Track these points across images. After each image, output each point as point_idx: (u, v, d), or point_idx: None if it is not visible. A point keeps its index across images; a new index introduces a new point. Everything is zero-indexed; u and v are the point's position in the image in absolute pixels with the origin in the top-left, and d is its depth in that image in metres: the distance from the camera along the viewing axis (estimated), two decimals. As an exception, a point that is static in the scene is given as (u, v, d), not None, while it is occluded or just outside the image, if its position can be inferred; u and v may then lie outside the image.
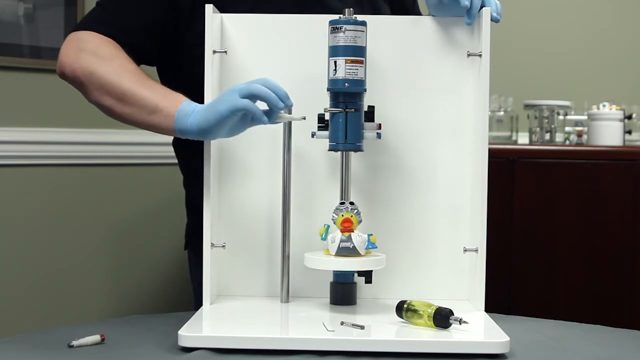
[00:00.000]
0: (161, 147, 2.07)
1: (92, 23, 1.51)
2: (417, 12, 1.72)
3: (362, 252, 1.32)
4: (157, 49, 1.55)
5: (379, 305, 1.39)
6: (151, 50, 1.54)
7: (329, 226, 1.35)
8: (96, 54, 1.45)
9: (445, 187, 1.46)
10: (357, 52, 1.33)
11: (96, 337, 1.21)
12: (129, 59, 1.47)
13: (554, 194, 2.26)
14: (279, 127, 1.40)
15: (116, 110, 1.43)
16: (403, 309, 1.26)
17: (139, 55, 1.51)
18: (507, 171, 2.26)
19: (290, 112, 1.34)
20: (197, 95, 1.37)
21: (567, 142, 2.53)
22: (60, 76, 1.51)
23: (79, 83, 1.47)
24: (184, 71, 1.55)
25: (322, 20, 1.38)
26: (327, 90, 1.36)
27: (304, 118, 1.34)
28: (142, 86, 1.40)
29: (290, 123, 1.39)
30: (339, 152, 1.39)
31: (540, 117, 2.49)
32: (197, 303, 1.48)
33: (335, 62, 1.33)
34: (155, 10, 1.52)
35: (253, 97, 1.27)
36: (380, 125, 1.38)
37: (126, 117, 1.42)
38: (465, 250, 1.41)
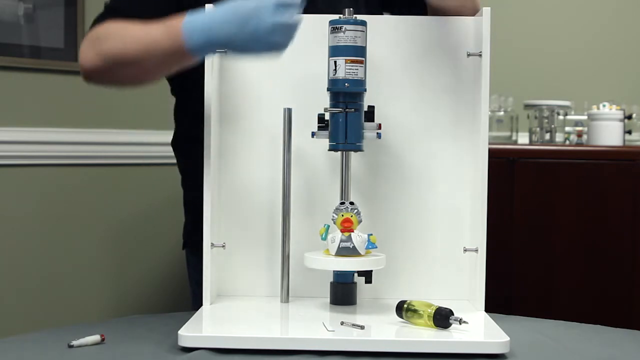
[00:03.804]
0: (161, 147, 2.07)
1: (100, 18, 1.45)
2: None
3: (362, 252, 1.32)
4: None
5: (379, 305, 1.39)
6: None
7: (329, 226, 1.35)
8: (101, 37, 1.39)
9: (445, 187, 1.46)
10: (357, 52, 1.33)
11: (96, 337, 1.21)
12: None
13: (554, 194, 2.26)
14: (279, 127, 1.40)
15: (139, 77, 1.37)
16: (403, 309, 1.26)
17: None
18: (507, 171, 2.26)
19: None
20: (197, 96, 1.37)
21: (567, 142, 2.53)
22: (88, 80, 1.44)
23: (105, 72, 1.38)
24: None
25: (322, 20, 1.38)
26: (327, 90, 1.36)
27: None
28: (138, 37, 1.31)
29: (289, 123, 1.39)
30: (339, 152, 1.39)
31: (540, 117, 2.48)
32: (196, 303, 1.48)
33: (335, 62, 1.33)
34: (163, 6, 1.47)
35: None
36: (380, 125, 1.38)
37: (152, 72, 1.36)
38: (465, 250, 1.41)
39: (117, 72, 1.37)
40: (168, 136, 1.74)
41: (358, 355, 1.15)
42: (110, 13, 1.45)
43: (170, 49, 1.27)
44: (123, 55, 1.34)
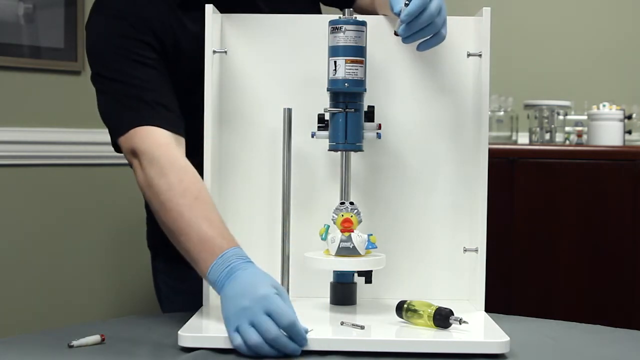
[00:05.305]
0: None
1: (135, 118, 1.41)
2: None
3: (362, 252, 1.32)
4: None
5: (379, 305, 1.39)
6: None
7: (329, 226, 1.35)
8: (160, 189, 1.33)
9: (445, 187, 1.45)
10: (357, 52, 1.33)
11: (96, 337, 1.21)
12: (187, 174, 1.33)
13: (554, 194, 2.26)
14: (279, 127, 1.40)
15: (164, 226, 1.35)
16: (403, 309, 1.26)
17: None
18: (507, 171, 2.26)
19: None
20: (195, 91, 1.37)
21: (567, 142, 2.53)
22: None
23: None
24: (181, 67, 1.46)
25: (321, 20, 1.38)
26: (327, 90, 1.36)
27: None
28: (187, 232, 1.29)
29: (289, 123, 1.39)
30: (339, 152, 1.39)
31: (540, 117, 2.48)
32: (174, 309, 1.48)
33: (335, 62, 1.33)
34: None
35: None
36: (380, 125, 1.38)
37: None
38: (465, 250, 1.41)
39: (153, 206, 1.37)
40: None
41: (358, 355, 1.15)
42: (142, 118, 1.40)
43: (194, 264, 1.29)
44: (164, 221, 1.32)
